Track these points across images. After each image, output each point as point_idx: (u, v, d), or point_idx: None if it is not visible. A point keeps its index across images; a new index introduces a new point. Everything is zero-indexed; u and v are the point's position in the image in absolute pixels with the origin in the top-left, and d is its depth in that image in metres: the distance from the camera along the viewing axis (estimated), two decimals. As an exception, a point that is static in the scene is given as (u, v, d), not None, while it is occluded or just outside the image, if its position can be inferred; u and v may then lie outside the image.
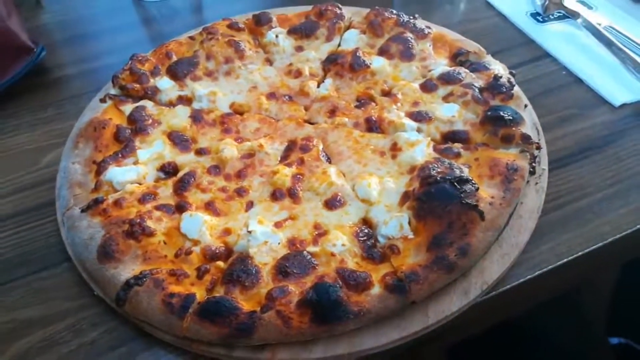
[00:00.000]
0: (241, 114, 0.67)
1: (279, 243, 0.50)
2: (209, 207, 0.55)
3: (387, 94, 0.67)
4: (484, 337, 0.83)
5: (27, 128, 0.72)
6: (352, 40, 0.75)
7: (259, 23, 0.78)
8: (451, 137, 0.60)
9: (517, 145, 0.57)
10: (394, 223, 0.50)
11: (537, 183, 0.56)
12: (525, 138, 0.57)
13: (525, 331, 0.89)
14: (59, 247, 0.56)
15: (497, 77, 0.63)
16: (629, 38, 0.77)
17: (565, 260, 0.52)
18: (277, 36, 0.75)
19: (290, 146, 0.61)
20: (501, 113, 0.58)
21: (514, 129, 0.57)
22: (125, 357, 0.47)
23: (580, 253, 0.53)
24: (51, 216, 0.60)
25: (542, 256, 0.52)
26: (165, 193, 0.57)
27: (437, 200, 0.50)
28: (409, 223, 0.51)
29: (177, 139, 0.62)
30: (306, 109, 0.67)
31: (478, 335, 0.82)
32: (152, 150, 0.61)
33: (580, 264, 0.53)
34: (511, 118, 0.58)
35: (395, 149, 0.59)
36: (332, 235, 0.50)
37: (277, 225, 0.52)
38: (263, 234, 0.51)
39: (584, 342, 0.93)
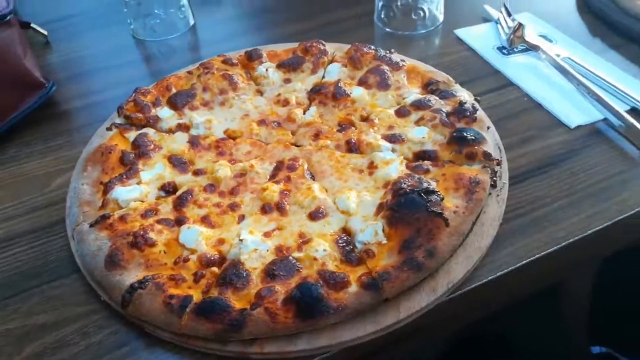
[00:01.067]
0: (234, 138, 0.74)
1: (267, 250, 0.56)
2: (205, 220, 0.61)
3: (365, 119, 0.74)
4: (463, 347, 0.88)
5: (38, 155, 0.79)
6: (334, 72, 0.83)
7: (251, 58, 0.87)
8: (422, 155, 0.67)
9: (479, 162, 0.64)
10: (370, 230, 0.57)
11: (498, 195, 0.63)
12: (487, 155, 0.64)
13: (506, 341, 0.94)
14: (69, 260, 0.62)
15: (462, 103, 0.71)
16: (585, 67, 0.85)
17: (524, 262, 0.58)
18: (267, 70, 0.84)
19: (279, 166, 0.68)
20: (465, 134, 0.66)
21: (476, 147, 0.64)
22: (128, 355, 0.52)
23: (537, 255, 0.59)
24: (61, 233, 0.65)
25: (503, 259, 0.58)
26: (166, 209, 0.63)
27: (406, 209, 0.56)
28: (383, 230, 0.57)
29: (176, 162, 0.69)
30: (293, 133, 0.74)
31: (457, 344, 0.87)
32: (154, 172, 0.68)
33: (539, 265, 0.59)
34: (474, 138, 0.65)
35: (372, 167, 0.66)
36: (315, 242, 0.56)
37: (266, 235, 0.58)
38: (253, 243, 0.57)
39: (565, 351, 0.97)
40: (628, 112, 0.75)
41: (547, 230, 0.61)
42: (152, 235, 0.58)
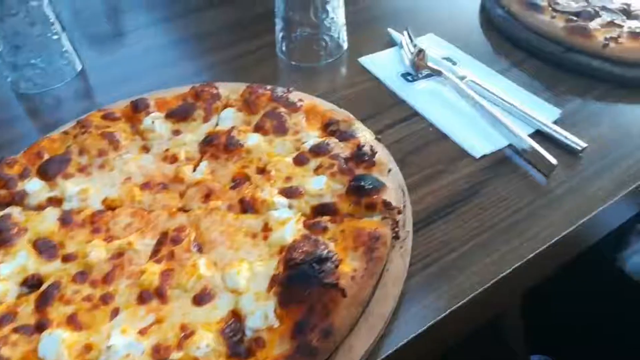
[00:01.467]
0: (113, 209, 0.65)
1: (142, 352, 0.48)
2: (71, 321, 0.52)
3: (262, 171, 0.68)
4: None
5: None
6: (229, 118, 0.76)
7: (136, 110, 0.78)
8: (320, 210, 0.62)
9: (380, 213, 0.59)
10: (259, 313, 0.50)
11: (401, 247, 0.58)
12: (387, 205, 0.59)
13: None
14: None
15: (360, 147, 0.66)
16: (487, 90, 0.83)
17: (432, 322, 0.53)
18: (153, 122, 0.75)
19: (162, 240, 0.60)
20: (362, 183, 0.61)
21: (375, 197, 0.60)
22: None
23: (448, 312, 0.54)
24: None
25: (411, 322, 0.53)
26: (26, 311, 0.53)
27: (297, 285, 0.50)
28: (275, 311, 0.50)
29: (42, 247, 0.60)
30: (181, 195, 0.67)
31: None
32: (15, 263, 0.58)
33: (452, 320, 0.55)
34: (371, 187, 0.60)
35: (266, 229, 0.59)
36: (197, 336, 0.49)
37: (142, 332, 0.50)
38: (125, 346, 0.49)
39: None
40: (532, 135, 0.74)
41: (458, 279, 0.57)
42: (4, 351, 0.49)
